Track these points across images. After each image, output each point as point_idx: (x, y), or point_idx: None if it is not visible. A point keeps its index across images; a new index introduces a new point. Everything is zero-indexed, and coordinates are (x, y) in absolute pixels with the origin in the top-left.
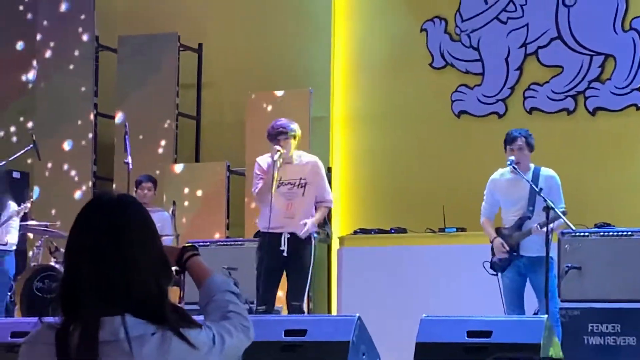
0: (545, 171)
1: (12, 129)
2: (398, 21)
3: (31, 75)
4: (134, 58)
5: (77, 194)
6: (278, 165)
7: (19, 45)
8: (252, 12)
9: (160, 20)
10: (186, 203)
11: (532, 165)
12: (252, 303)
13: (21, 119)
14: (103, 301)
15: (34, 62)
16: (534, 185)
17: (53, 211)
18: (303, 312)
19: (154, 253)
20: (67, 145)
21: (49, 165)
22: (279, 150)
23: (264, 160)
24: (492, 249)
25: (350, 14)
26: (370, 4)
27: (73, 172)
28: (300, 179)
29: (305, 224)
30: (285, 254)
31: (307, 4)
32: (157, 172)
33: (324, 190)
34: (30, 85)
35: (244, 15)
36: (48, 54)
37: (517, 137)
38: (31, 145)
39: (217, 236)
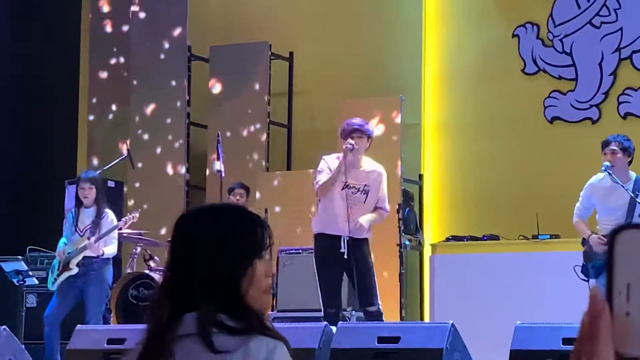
0: None
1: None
2: (489, 27)
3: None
4: (226, 67)
5: (170, 203)
6: (348, 158)
7: (114, 58)
8: (343, 19)
9: (251, 30)
10: (278, 211)
11: (633, 174)
12: (345, 310)
13: (115, 133)
14: (206, 303)
15: (130, 76)
16: (630, 193)
17: (147, 220)
18: (382, 314)
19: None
20: (160, 154)
21: (142, 174)
22: (351, 144)
23: (331, 159)
24: (584, 254)
25: (441, 20)
26: (462, 10)
27: (166, 181)
28: (365, 185)
29: (359, 223)
30: (345, 256)
31: (397, 10)
32: (249, 180)
33: (384, 198)
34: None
35: (335, 23)
36: (140, 60)
37: (611, 141)
38: (125, 155)
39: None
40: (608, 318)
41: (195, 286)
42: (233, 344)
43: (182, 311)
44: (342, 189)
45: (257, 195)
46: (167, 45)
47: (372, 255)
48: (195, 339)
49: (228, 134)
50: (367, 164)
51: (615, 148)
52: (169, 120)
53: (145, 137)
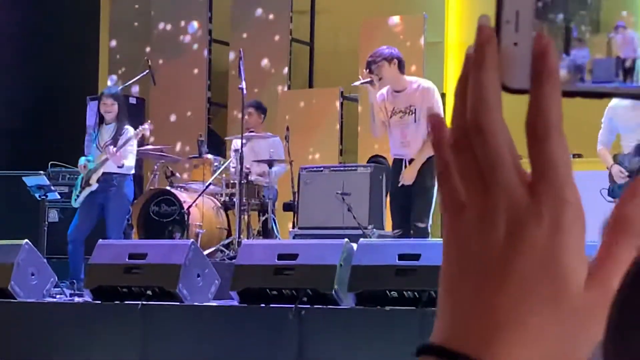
0: None
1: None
2: None
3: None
4: None
5: (191, 120)
6: (373, 92)
7: None
8: None
9: None
10: (300, 129)
11: None
12: (366, 228)
13: (136, 48)
14: None
15: None
16: None
17: (168, 137)
18: (428, 234)
19: None
20: (181, 72)
21: (165, 91)
22: (368, 79)
23: (375, 101)
24: (609, 175)
25: None
26: None
27: (188, 98)
28: (410, 106)
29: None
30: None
31: None
32: (270, 97)
33: (432, 107)
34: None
35: None
36: None
37: None
38: (147, 71)
39: (330, 162)
40: (495, 47)
41: None
42: None
43: None
44: (390, 117)
45: (279, 112)
46: None
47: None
48: None
49: (250, 51)
50: (412, 84)
51: None
52: (189, 37)
53: (167, 52)
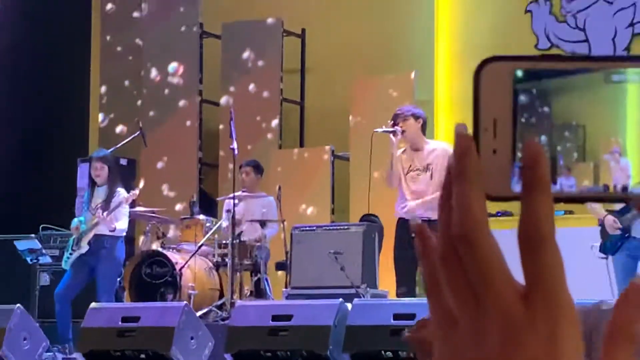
0: None
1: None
2: (502, 2)
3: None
4: (238, 44)
5: (182, 181)
6: (395, 142)
7: (126, 33)
8: None
9: (263, 7)
10: (291, 188)
11: None
12: (359, 287)
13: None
14: None
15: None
16: None
17: (160, 198)
18: None
19: None
20: (172, 132)
21: (156, 152)
22: (394, 128)
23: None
24: (601, 231)
25: None
26: None
27: (179, 158)
28: (428, 164)
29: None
30: None
31: None
32: (262, 158)
33: None
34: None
35: (347, 1)
36: (153, 39)
37: None
38: (138, 132)
39: (322, 221)
40: (475, 156)
41: None
42: None
43: None
44: (407, 173)
45: (270, 172)
46: (179, 22)
47: None
48: None
49: (241, 111)
50: (431, 144)
51: None
52: (182, 100)
53: (158, 114)
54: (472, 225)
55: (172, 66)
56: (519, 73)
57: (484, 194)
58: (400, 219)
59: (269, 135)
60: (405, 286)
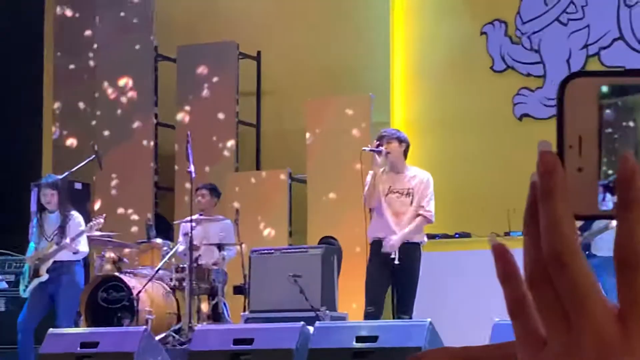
0: None
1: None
2: (458, 25)
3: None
4: (193, 67)
5: (138, 204)
6: (379, 162)
7: (80, 56)
8: (310, 19)
9: (218, 29)
10: (249, 211)
11: None
12: (319, 310)
13: (81, 132)
14: None
15: (96, 75)
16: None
17: (115, 222)
18: None
19: None
20: (127, 155)
21: (111, 176)
22: (378, 149)
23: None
24: None
25: (409, 18)
26: (429, 7)
27: (134, 181)
28: (408, 189)
29: (390, 240)
30: (396, 261)
31: (365, 9)
32: (219, 181)
33: (425, 199)
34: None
35: (302, 23)
36: (107, 62)
37: None
38: (93, 156)
39: (279, 244)
40: (562, 174)
41: None
42: None
43: None
44: (386, 195)
45: (227, 195)
46: (133, 44)
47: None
48: None
49: (197, 134)
50: (412, 170)
51: None
52: (137, 122)
53: (113, 137)
54: (563, 245)
55: (123, 81)
56: (604, 88)
57: (572, 213)
58: (375, 240)
59: (226, 158)
60: (374, 306)
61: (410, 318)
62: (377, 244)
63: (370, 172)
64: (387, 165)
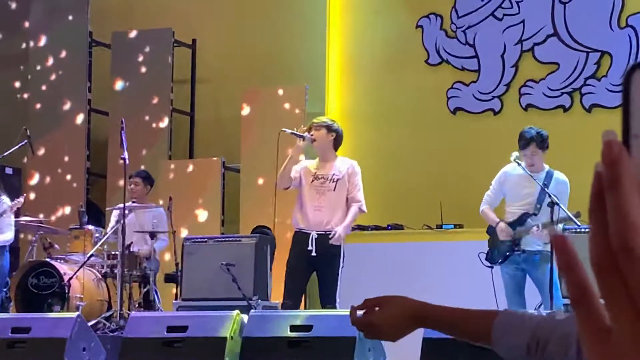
0: (558, 175)
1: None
2: (393, 17)
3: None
4: (128, 54)
5: (70, 190)
6: (298, 146)
7: (12, 39)
8: (247, 8)
9: (154, 16)
10: (182, 199)
11: (546, 166)
12: (251, 299)
13: (12, 117)
14: None
15: (29, 58)
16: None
17: (46, 208)
18: None
19: None
20: (59, 141)
21: (43, 161)
22: (305, 134)
23: (304, 162)
24: (489, 240)
25: (346, 10)
26: (366, 0)
27: (66, 168)
28: (333, 174)
29: (336, 232)
30: (314, 253)
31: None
32: (152, 168)
33: (356, 189)
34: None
35: (239, 11)
36: (41, 47)
37: (530, 139)
38: (25, 141)
39: (212, 233)
40: (628, 164)
41: None
42: None
43: None
44: (312, 181)
45: (160, 183)
46: (68, 30)
47: (343, 250)
48: None
49: (130, 121)
50: (339, 160)
51: (536, 149)
52: (68, 106)
53: (45, 122)
54: (635, 237)
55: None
56: None
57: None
58: (297, 231)
59: (158, 146)
60: (292, 299)
61: (334, 308)
62: (297, 235)
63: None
64: (317, 155)
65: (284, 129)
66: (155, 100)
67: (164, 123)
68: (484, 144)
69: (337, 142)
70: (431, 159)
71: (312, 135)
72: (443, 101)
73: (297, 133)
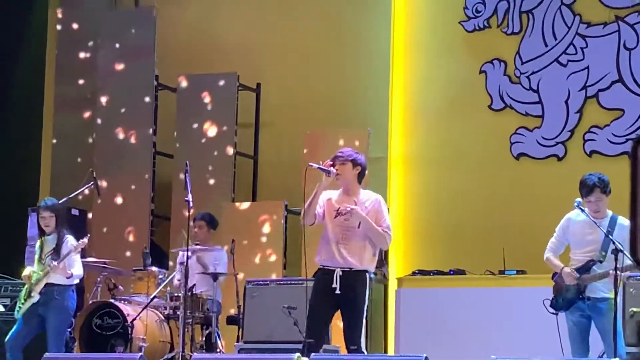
0: (622, 220)
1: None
2: (457, 62)
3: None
4: (193, 97)
5: (135, 232)
6: (323, 181)
7: (80, 84)
8: (310, 52)
9: (219, 61)
10: (244, 242)
11: (609, 212)
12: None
13: (79, 159)
14: None
15: (97, 102)
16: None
17: (112, 249)
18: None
19: None
20: (126, 183)
21: (109, 203)
22: (329, 169)
23: (325, 193)
24: (554, 287)
25: (409, 55)
26: (430, 44)
27: (131, 210)
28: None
29: (349, 207)
30: (338, 291)
31: (366, 43)
32: (215, 211)
33: (382, 217)
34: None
35: (302, 55)
36: (108, 91)
37: (593, 187)
38: (92, 183)
39: (274, 275)
40: None
41: None
42: None
43: None
44: (335, 217)
45: (223, 225)
46: (134, 73)
47: (368, 289)
48: None
49: (196, 164)
50: (363, 194)
51: (600, 195)
52: (136, 151)
53: (112, 164)
54: None
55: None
56: None
57: None
58: (321, 267)
59: (222, 189)
60: (313, 338)
61: (358, 349)
62: (320, 272)
63: (317, 189)
64: (341, 189)
65: (311, 164)
66: (219, 143)
67: (227, 165)
68: (548, 189)
69: (361, 176)
70: (494, 204)
71: (337, 169)
72: (506, 146)
73: (323, 168)
